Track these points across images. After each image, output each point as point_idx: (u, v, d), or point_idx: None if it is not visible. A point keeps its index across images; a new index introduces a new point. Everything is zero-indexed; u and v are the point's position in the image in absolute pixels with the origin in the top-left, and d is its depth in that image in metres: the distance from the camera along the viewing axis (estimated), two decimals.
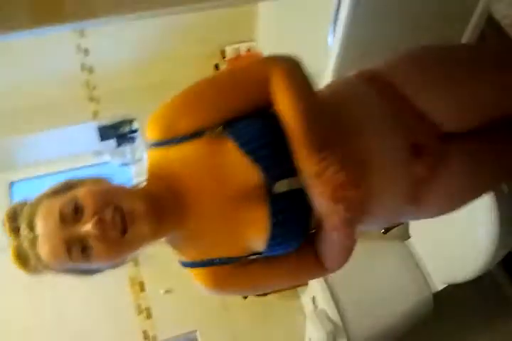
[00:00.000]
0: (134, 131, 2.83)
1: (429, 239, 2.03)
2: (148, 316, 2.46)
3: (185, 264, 1.02)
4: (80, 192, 0.93)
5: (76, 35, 2.67)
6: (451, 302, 2.14)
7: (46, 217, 0.92)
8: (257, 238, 0.97)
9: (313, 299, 2.15)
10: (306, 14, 2.13)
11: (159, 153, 1.00)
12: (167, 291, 2.47)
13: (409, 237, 2.12)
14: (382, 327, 2.02)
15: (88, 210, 0.90)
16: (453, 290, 2.01)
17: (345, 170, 0.86)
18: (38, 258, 0.92)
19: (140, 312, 2.46)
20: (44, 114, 2.67)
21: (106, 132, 2.84)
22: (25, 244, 0.92)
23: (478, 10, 1.88)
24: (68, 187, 0.97)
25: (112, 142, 2.85)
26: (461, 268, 1.84)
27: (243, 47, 2.94)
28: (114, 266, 0.99)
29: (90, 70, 2.81)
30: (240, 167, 0.95)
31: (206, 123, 0.97)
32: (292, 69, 0.99)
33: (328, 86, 1.16)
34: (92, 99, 2.86)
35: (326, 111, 1.00)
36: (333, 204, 0.86)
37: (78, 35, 2.67)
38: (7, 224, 0.97)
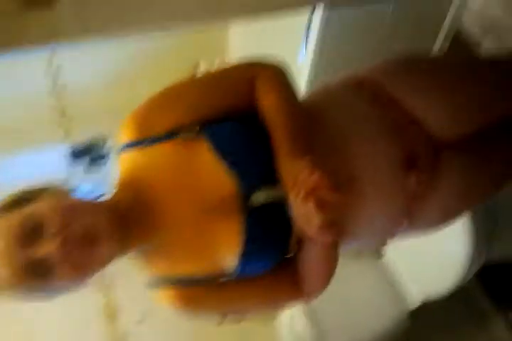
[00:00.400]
0: (106, 153, 2.80)
1: (403, 256, 2.03)
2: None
3: (152, 284, 0.96)
4: (38, 208, 0.85)
5: (47, 54, 2.64)
6: (428, 319, 2.14)
7: (2, 237, 0.82)
8: (228, 253, 0.90)
9: (291, 321, 2.13)
10: (277, 33, 2.16)
11: (131, 156, 0.94)
12: (141, 320, 2.41)
13: (383, 255, 2.12)
14: None
15: (49, 229, 0.82)
16: (429, 308, 2.01)
17: (327, 177, 0.79)
18: None
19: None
20: (11, 136, 2.63)
21: (77, 153, 2.80)
22: None
23: (447, 24, 1.93)
24: (23, 200, 0.87)
25: (83, 163, 2.81)
26: (436, 283, 1.84)
27: (216, 64, 2.94)
28: (79, 287, 0.90)
29: (61, 90, 2.78)
30: (214, 172, 0.89)
31: (183, 122, 0.92)
32: (280, 72, 0.97)
33: (310, 95, 1.11)
34: (62, 119, 2.82)
35: (309, 119, 0.96)
36: (307, 206, 0.79)
37: (49, 55, 2.64)
38: None
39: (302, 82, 1.83)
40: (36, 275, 0.82)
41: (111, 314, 2.44)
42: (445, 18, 1.91)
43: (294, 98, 0.96)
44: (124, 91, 2.86)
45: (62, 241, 0.81)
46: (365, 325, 2.02)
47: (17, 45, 0.74)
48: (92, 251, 0.84)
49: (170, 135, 0.91)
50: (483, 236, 1.68)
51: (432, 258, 1.85)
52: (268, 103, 0.93)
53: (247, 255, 0.89)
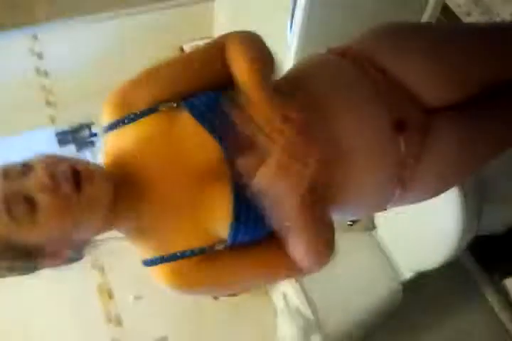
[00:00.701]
0: (94, 135, 2.78)
1: (395, 228, 2.05)
2: (118, 324, 2.41)
3: (147, 263, 0.94)
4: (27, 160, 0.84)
5: (29, 39, 2.60)
6: (420, 290, 2.17)
7: None
8: (220, 219, 0.89)
9: (284, 295, 2.16)
10: (264, 7, 2.14)
11: (115, 135, 0.95)
12: (136, 297, 2.43)
13: (374, 228, 2.14)
14: (355, 319, 2.03)
15: (38, 165, 0.81)
16: (421, 278, 2.03)
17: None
18: None
19: (109, 320, 2.42)
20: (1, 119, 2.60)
21: (64, 137, 2.77)
22: None
23: (432, 1, 1.91)
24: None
25: (71, 147, 2.78)
26: (428, 255, 1.86)
27: (202, 44, 2.92)
28: (62, 241, 0.86)
29: (45, 74, 2.74)
30: (197, 139, 0.90)
31: (162, 97, 0.93)
32: (251, 38, 0.97)
33: (295, 64, 1.10)
34: (48, 103, 2.79)
35: (291, 83, 0.97)
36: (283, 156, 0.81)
37: (31, 38, 2.60)
38: None
39: (290, 59, 1.83)
40: (17, 209, 0.78)
41: (106, 293, 2.45)
42: None
43: (262, 60, 0.95)
44: (109, 73, 2.83)
45: (50, 173, 0.80)
46: (359, 297, 2.04)
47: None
48: (79, 191, 0.81)
49: (150, 110, 0.93)
50: (474, 210, 1.69)
51: (424, 231, 1.86)
52: (237, 65, 0.94)
53: (239, 218, 0.88)
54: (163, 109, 0.93)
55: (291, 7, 1.73)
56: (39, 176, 0.79)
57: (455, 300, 2.32)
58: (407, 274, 2.03)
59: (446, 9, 2.01)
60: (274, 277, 1.08)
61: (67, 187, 0.80)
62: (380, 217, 2.11)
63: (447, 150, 1.02)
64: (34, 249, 0.83)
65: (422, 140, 0.99)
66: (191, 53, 1.01)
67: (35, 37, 2.58)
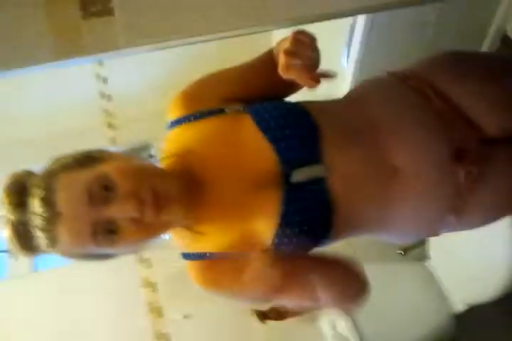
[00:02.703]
0: (152, 157, 2.86)
1: (448, 259, 2.01)
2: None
3: (186, 256, 0.96)
4: (110, 168, 0.84)
5: (95, 64, 2.74)
6: (474, 323, 2.10)
7: (71, 195, 0.81)
8: (265, 227, 0.90)
9: (333, 324, 2.13)
10: (320, 38, 2.17)
11: (178, 132, 0.97)
12: (186, 316, 2.45)
13: (428, 258, 2.10)
14: None
15: (122, 190, 0.81)
16: (475, 311, 1.98)
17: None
18: (53, 239, 0.81)
19: (158, 338, 2.45)
20: (64, 142, 2.72)
21: None
22: (38, 223, 0.80)
23: (492, 31, 1.89)
24: (91, 159, 0.87)
25: None
26: (482, 287, 1.81)
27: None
28: (134, 252, 0.93)
29: (109, 98, 2.87)
30: (257, 147, 0.91)
31: (229, 98, 0.97)
32: None
33: (356, 86, 1.11)
34: (110, 126, 2.91)
35: (350, 105, 0.99)
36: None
37: (97, 64, 2.73)
38: (10, 198, 0.83)
39: (345, 87, 1.84)
40: (102, 235, 0.81)
41: (156, 311, 2.49)
42: (491, 24, 1.87)
43: None
44: (169, 98, 2.91)
45: (137, 203, 0.80)
46: (409, 329, 2.00)
47: (75, 55, 0.79)
48: (160, 215, 0.83)
49: (215, 111, 0.95)
50: None
51: (478, 263, 1.82)
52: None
53: (283, 229, 0.88)
54: (229, 111, 0.95)
55: (348, 35, 1.75)
56: (125, 208, 0.81)
57: (508, 335, 2.23)
58: (460, 306, 1.97)
59: (506, 40, 1.98)
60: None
61: (150, 217, 0.82)
62: (434, 248, 2.07)
63: (502, 182, 1.01)
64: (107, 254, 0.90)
65: (480, 171, 0.97)
66: (253, 60, 1.06)
67: (100, 62, 2.71)
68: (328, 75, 0.86)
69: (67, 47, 0.78)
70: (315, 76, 0.83)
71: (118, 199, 0.81)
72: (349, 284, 0.97)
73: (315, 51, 0.84)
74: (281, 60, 0.84)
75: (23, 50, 0.81)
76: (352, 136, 0.94)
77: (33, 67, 0.83)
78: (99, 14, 0.77)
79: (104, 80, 2.81)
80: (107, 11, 0.77)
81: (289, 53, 0.83)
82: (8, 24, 0.79)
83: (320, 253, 0.97)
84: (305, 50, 0.83)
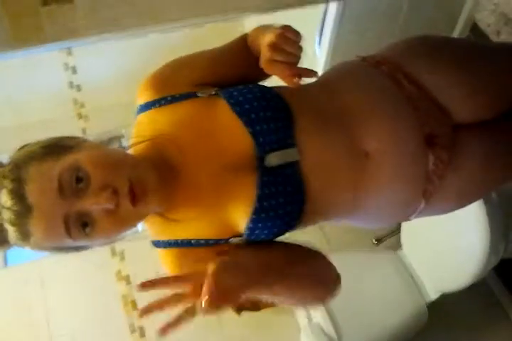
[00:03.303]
0: (123, 148, 2.82)
1: (421, 248, 2.03)
2: (142, 335, 2.43)
3: (158, 244, 0.94)
4: (82, 157, 0.80)
5: (63, 54, 2.68)
6: (446, 311, 2.13)
7: (42, 186, 0.77)
8: (240, 211, 0.88)
9: (307, 313, 2.14)
10: (293, 24, 2.15)
11: (149, 116, 0.94)
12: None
13: (401, 247, 2.12)
14: (378, 339, 2.00)
15: (96, 180, 0.78)
16: (447, 299, 2.00)
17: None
18: (24, 233, 0.78)
19: (133, 330, 2.43)
20: (33, 132, 2.66)
21: None
22: (8, 216, 0.78)
23: (462, 20, 1.90)
24: (61, 147, 0.83)
25: None
26: (454, 276, 1.83)
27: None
28: (110, 243, 0.89)
29: (78, 88, 2.82)
30: (231, 130, 0.90)
31: (201, 81, 0.95)
32: None
33: (328, 69, 1.10)
34: (80, 116, 2.86)
35: (323, 88, 0.98)
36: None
37: (65, 53, 2.68)
38: None
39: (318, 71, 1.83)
40: (75, 228, 0.79)
41: (131, 304, 2.47)
42: (461, 13, 1.89)
43: None
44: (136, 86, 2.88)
45: (112, 195, 0.78)
46: (383, 317, 2.02)
47: (36, 43, 0.76)
48: (137, 206, 0.80)
49: (188, 95, 0.93)
50: (500, 230, 1.66)
51: (450, 252, 1.83)
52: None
53: (259, 213, 0.87)
54: (202, 95, 0.93)
55: (320, 21, 1.74)
56: (98, 200, 0.77)
57: (480, 322, 2.28)
58: (433, 295, 2.00)
59: (475, 28, 1.99)
60: None
61: (125, 208, 0.80)
62: (406, 237, 2.08)
63: (472, 167, 1.02)
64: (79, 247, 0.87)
65: (450, 157, 0.98)
66: (224, 45, 1.04)
67: (69, 51, 2.66)
68: (309, 73, 0.85)
69: (25, 34, 0.75)
70: (297, 74, 0.82)
71: (91, 190, 0.78)
72: (319, 281, 0.96)
73: (300, 49, 0.83)
74: (265, 53, 0.83)
75: None
76: (324, 120, 0.94)
77: None
78: (58, 1, 0.74)
79: (73, 70, 2.76)
80: None
81: (274, 48, 0.82)
82: None
83: (288, 246, 0.95)
84: (291, 46, 0.82)
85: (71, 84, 2.81)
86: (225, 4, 0.79)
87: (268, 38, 0.84)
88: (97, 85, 2.85)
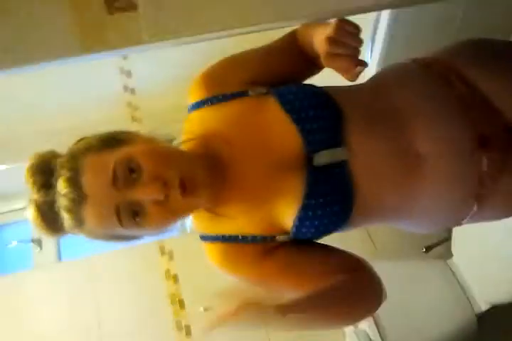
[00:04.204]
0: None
1: (472, 257, 1.98)
2: (188, 333, 2.47)
3: (205, 238, 0.95)
4: (135, 150, 0.84)
5: (119, 58, 2.76)
6: (496, 323, 2.08)
7: (97, 176, 0.81)
8: (287, 209, 0.89)
9: None
10: None
11: (200, 114, 0.97)
12: (206, 309, 2.47)
13: (451, 256, 2.08)
14: None
15: (148, 172, 0.81)
16: (497, 311, 1.95)
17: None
18: (78, 220, 0.82)
19: (179, 329, 2.48)
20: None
21: None
22: (64, 203, 0.81)
23: None
24: (117, 140, 0.87)
25: None
26: (505, 287, 1.79)
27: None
28: (158, 233, 0.92)
29: (132, 91, 2.89)
30: (281, 129, 0.90)
31: (252, 80, 0.96)
32: None
33: (379, 70, 1.09)
34: (134, 119, 2.94)
35: (373, 89, 0.97)
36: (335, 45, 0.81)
37: (121, 57, 2.76)
38: (35, 178, 0.84)
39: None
40: (127, 217, 0.82)
41: (178, 303, 2.52)
42: None
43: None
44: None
45: (163, 186, 0.81)
46: (431, 327, 1.99)
47: (101, 49, 0.80)
48: (186, 198, 0.83)
49: (239, 93, 0.94)
50: None
51: (501, 261, 1.79)
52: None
53: (307, 212, 0.88)
54: (253, 94, 0.94)
55: (371, 29, 1.73)
56: (150, 190, 0.81)
57: None
58: (483, 306, 1.95)
59: None
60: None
61: (175, 200, 0.82)
62: (457, 245, 2.04)
63: None
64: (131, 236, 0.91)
65: (504, 159, 0.95)
66: (274, 42, 1.05)
67: (124, 56, 2.74)
68: (363, 64, 0.84)
69: (92, 41, 0.79)
70: (359, 65, 0.82)
71: (142, 181, 0.81)
72: (361, 299, 0.95)
73: (360, 41, 0.82)
74: (324, 47, 0.82)
75: (49, 44, 0.82)
76: (374, 121, 0.93)
77: (59, 60, 0.84)
78: (123, 9, 0.78)
79: (128, 74, 2.84)
80: (131, 6, 0.77)
81: (334, 41, 0.81)
82: (34, 19, 0.80)
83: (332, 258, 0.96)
84: (351, 39, 0.81)
85: (126, 88, 2.89)
86: (279, 11, 0.81)
87: (327, 32, 0.83)
88: (151, 89, 2.92)
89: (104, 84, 2.88)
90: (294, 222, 0.89)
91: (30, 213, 0.85)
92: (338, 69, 0.84)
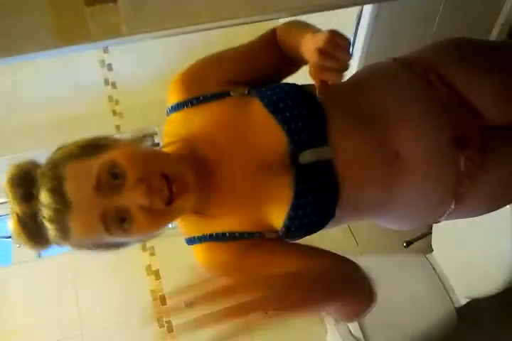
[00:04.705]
0: (156, 145, 2.86)
1: (451, 252, 2.00)
2: (170, 330, 2.46)
3: (193, 240, 0.93)
4: (118, 154, 0.81)
5: (100, 51, 2.73)
6: (475, 317, 2.10)
7: (80, 183, 0.78)
8: (276, 208, 0.89)
9: None
10: (325, 27, 2.15)
11: (181, 116, 0.95)
12: (187, 304, 2.46)
13: (431, 251, 2.10)
14: None
15: (131, 176, 0.79)
16: (476, 305, 1.97)
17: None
18: (63, 230, 0.79)
19: (161, 325, 2.47)
20: (68, 127, 2.72)
21: None
22: (47, 214, 0.78)
23: (499, 23, 1.87)
24: (98, 147, 0.84)
25: None
26: (484, 282, 1.81)
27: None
28: (146, 240, 0.91)
29: (113, 85, 2.87)
30: (266, 129, 0.90)
31: (230, 82, 0.95)
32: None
33: (360, 70, 1.09)
34: (115, 113, 2.91)
35: (353, 89, 0.97)
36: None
37: (102, 51, 2.73)
38: (15, 190, 0.81)
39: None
40: (114, 224, 0.80)
41: (159, 298, 2.50)
42: (498, 16, 1.85)
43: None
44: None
45: (147, 190, 0.78)
46: (411, 322, 2.00)
47: (79, 41, 0.78)
48: (174, 203, 0.82)
49: (220, 94, 0.93)
50: None
51: (481, 257, 1.81)
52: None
53: (296, 210, 0.88)
54: (234, 94, 0.93)
55: (354, 24, 1.73)
56: (134, 195, 0.79)
57: (509, 328, 2.23)
58: (462, 300, 1.97)
59: None
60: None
61: (161, 204, 0.80)
62: (437, 240, 2.06)
63: (503, 170, 1.01)
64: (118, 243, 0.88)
65: (481, 159, 0.97)
66: (251, 42, 1.05)
67: (105, 50, 2.71)
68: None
69: (70, 33, 0.77)
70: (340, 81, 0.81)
71: (127, 186, 0.79)
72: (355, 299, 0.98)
73: (350, 56, 0.81)
74: (314, 58, 0.81)
75: (26, 37, 0.81)
76: (356, 119, 0.94)
77: (36, 53, 0.82)
78: (102, 1, 0.77)
79: (109, 67, 2.81)
80: None
81: (324, 53, 0.79)
82: (11, 10, 0.78)
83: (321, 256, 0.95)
84: (341, 53, 0.80)
85: (107, 81, 2.86)
86: (263, 4, 0.80)
87: (317, 42, 0.82)
88: (132, 83, 2.89)
89: (85, 78, 2.86)
90: (284, 221, 0.89)
91: (12, 226, 0.82)
92: (316, 81, 0.83)
